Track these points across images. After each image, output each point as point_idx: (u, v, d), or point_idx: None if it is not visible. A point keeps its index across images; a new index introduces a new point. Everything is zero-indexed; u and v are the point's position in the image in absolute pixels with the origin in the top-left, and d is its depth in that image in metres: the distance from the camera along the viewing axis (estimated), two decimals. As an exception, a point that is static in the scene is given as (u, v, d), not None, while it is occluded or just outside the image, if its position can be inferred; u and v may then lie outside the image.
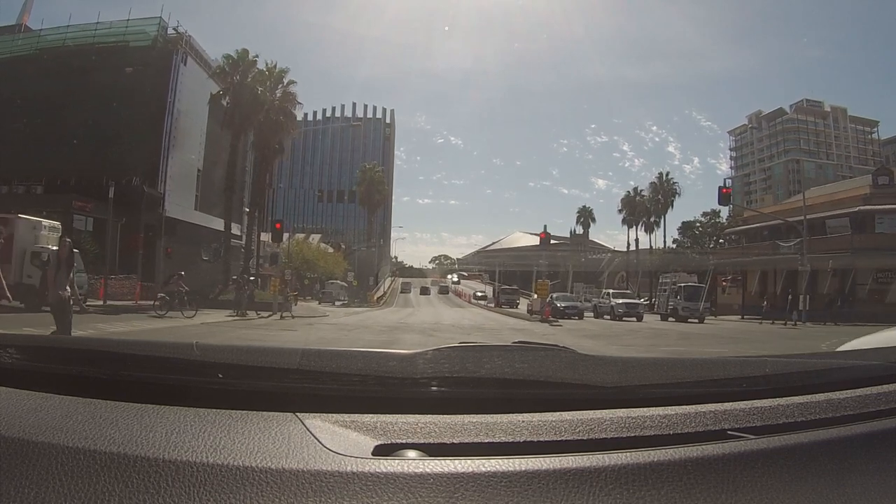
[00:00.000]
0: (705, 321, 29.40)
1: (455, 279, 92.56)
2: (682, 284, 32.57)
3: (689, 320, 29.23)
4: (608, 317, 31.13)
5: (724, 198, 29.52)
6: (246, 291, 24.31)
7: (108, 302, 24.22)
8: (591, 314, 32.60)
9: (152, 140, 31.97)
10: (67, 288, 7.79)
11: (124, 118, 30.96)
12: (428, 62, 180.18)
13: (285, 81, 34.16)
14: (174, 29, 34.28)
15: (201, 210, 36.69)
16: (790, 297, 28.66)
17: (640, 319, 29.58)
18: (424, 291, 73.55)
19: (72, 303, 7.89)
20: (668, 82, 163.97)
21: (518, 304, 43.90)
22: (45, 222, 21.04)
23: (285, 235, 44.06)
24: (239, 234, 36.59)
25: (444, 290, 74.13)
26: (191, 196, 36.37)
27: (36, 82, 31.01)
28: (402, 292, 71.24)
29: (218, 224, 33.92)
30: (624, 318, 29.51)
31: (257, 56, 33.03)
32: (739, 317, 33.67)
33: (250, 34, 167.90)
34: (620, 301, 31.84)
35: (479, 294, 61.89)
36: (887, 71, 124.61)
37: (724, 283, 39.09)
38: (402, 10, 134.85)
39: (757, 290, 37.11)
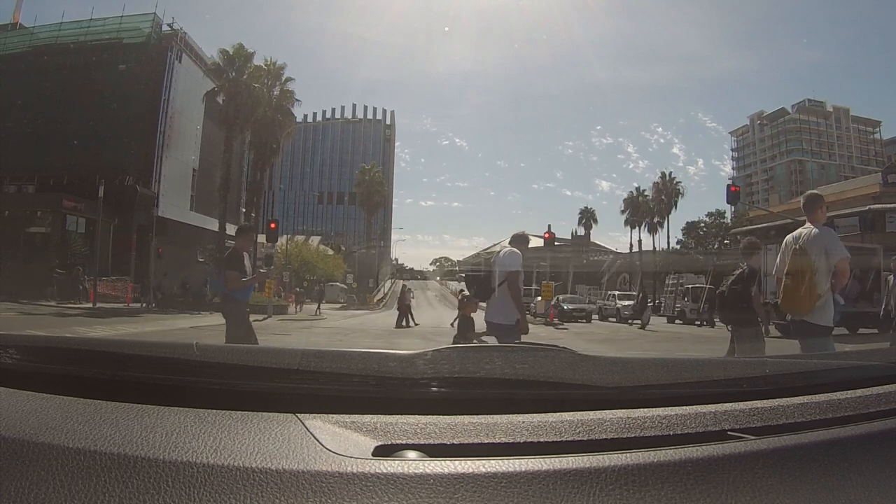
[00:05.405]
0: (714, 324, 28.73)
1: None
2: (690, 286, 31.70)
3: (696, 323, 28.54)
4: (613, 319, 30.34)
5: (732, 196, 28.80)
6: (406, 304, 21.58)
7: (98, 304, 23.57)
8: (596, 316, 31.79)
9: (146, 139, 31.36)
10: None
11: (118, 116, 30.35)
12: (430, 64, 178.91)
13: (283, 78, 33.36)
14: (169, 26, 33.65)
15: (198, 211, 36.02)
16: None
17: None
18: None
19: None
20: (673, 84, 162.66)
21: None
22: None
23: (284, 237, 43.44)
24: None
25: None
26: (186, 196, 35.73)
27: (28, 80, 30.41)
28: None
29: (213, 225, 33.09)
30: (630, 321, 28.79)
31: (254, 51, 32.28)
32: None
33: (251, 36, 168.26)
34: (627, 303, 31.07)
35: None
36: (890, 71, 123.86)
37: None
38: (402, 12, 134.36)
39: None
